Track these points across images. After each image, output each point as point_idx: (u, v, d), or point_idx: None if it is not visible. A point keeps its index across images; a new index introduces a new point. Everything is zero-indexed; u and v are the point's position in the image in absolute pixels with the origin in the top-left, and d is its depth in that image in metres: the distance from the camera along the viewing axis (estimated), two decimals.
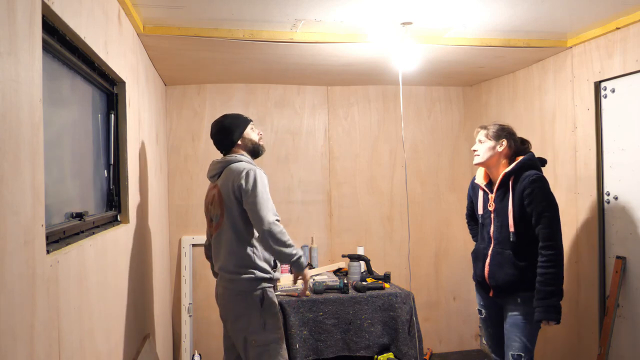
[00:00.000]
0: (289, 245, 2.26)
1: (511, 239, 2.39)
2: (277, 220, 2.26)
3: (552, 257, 2.28)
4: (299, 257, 2.29)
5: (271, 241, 2.22)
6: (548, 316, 2.26)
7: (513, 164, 2.42)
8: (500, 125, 2.51)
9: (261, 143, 2.51)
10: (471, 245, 2.84)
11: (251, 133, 2.48)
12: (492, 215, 2.49)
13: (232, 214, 2.31)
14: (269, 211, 2.24)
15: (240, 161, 2.38)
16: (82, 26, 1.52)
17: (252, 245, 2.32)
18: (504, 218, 2.42)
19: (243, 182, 2.26)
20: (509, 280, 2.39)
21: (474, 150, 2.52)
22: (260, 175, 2.30)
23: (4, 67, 0.98)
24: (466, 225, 2.95)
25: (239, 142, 2.46)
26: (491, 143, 2.46)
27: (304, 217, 3.95)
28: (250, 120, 2.50)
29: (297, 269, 2.34)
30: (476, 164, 2.54)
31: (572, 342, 3.02)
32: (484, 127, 2.53)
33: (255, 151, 2.49)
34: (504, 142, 2.45)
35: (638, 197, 2.55)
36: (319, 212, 3.97)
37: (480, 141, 2.50)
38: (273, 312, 2.33)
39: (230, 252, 2.32)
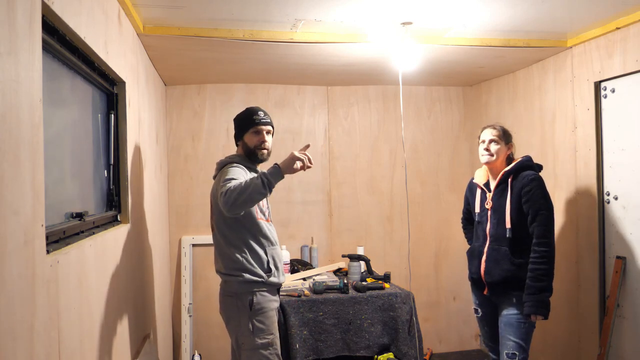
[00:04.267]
0: (247, 187, 1.98)
1: (507, 235, 2.44)
2: (225, 190, 2.00)
3: (545, 254, 2.35)
4: (263, 180, 1.99)
5: (237, 209, 2.01)
6: (537, 311, 2.33)
7: (513, 164, 2.50)
8: (504, 128, 2.59)
9: (259, 151, 2.32)
10: None
11: (250, 137, 2.32)
12: (489, 213, 2.54)
13: (218, 217, 2.28)
14: (219, 195, 2.03)
15: (231, 162, 2.29)
16: (82, 26, 1.52)
17: (242, 249, 2.23)
18: (501, 215, 2.48)
19: (217, 184, 2.18)
20: (505, 276, 2.43)
21: (487, 150, 2.53)
22: (232, 169, 2.15)
23: (4, 67, 0.98)
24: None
25: (240, 142, 2.39)
26: (502, 144, 2.53)
27: (304, 217, 3.94)
28: (257, 124, 2.31)
29: (277, 176, 2.02)
30: (487, 163, 2.55)
31: (572, 342, 3.02)
32: (494, 127, 2.56)
33: (251, 157, 2.34)
34: (511, 145, 2.56)
35: (638, 197, 2.55)
36: (319, 212, 3.97)
37: (493, 141, 2.53)
38: (263, 317, 2.22)
39: (221, 254, 2.29)
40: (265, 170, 2.04)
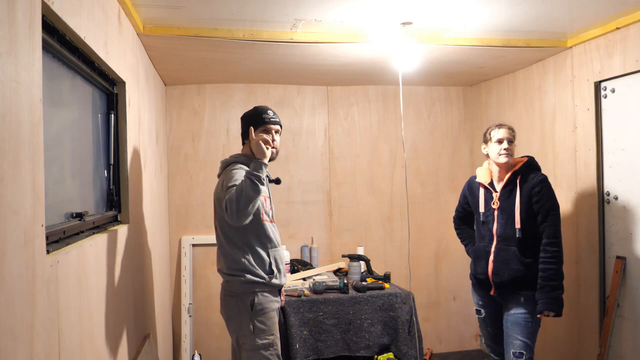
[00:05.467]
0: (239, 193, 2.00)
1: (517, 235, 2.44)
2: (226, 201, 2.03)
3: (556, 254, 2.37)
4: (249, 176, 2.03)
5: (241, 217, 2.01)
6: (551, 307, 2.34)
7: (521, 164, 2.50)
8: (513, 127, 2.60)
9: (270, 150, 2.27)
10: None
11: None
12: (496, 213, 2.52)
13: (221, 217, 2.26)
14: (224, 205, 2.05)
15: (235, 162, 2.28)
16: (82, 26, 1.52)
17: (244, 250, 2.23)
18: (509, 215, 2.47)
19: (221, 186, 2.18)
20: (515, 276, 2.43)
21: (507, 150, 2.50)
22: (235, 171, 2.16)
23: (4, 67, 0.98)
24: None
25: (247, 140, 2.36)
26: (514, 143, 2.54)
27: (304, 217, 3.94)
28: (266, 122, 2.30)
29: (260, 167, 2.08)
30: (505, 163, 2.52)
31: (572, 342, 3.02)
32: (509, 127, 2.55)
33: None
34: (515, 146, 2.57)
35: (638, 197, 2.55)
36: (319, 212, 3.97)
37: (510, 141, 2.52)
38: (264, 317, 2.22)
39: (224, 254, 2.29)
40: (248, 168, 2.09)
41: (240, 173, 2.18)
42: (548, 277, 2.35)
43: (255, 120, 2.32)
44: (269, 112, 2.34)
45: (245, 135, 2.38)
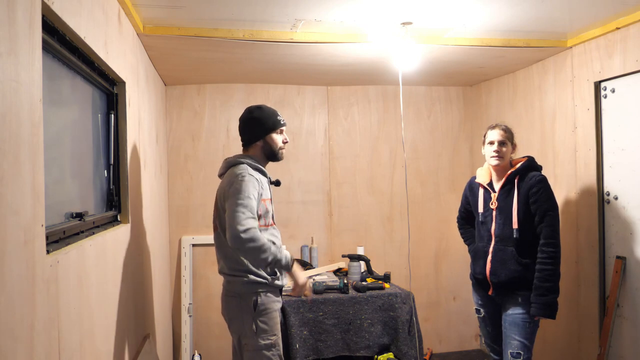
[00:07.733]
0: (263, 251, 2.06)
1: (514, 236, 2.43)
2: (249, 230, 2.03)
3: (552, 255, 2.36)
4: (276, 260, 2.12)
5: (240, 252, 2.14)
6: (544, 313, 2.35)
7: (519, 164, 2.49)
8: (509, 127, 2.57)
9: (282, 151, 2.35)
10: None
11: (276, 138, 2.32)
12: (494, 213, 2.52)
13: (222, 218, 2.24)
14: (239, 221, 2.03)
15: (242, 163, 2.24)
16: (82, 26, 1.52)
17: None
18: (507, 215, 2.47)
19: (228, 187, 2.14)
20: (512, 276, 2.43)
21: (497, 152, 2.49)
22: (247, 182, 2.12)
23: (4, 67, 0.98)
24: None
25: (259, 142, 2.32)
26: (509, 144, 2.53)
27: (304, 217, 3.95)
28: (282, 124, 2.34)
29: (281, 269, 2.24)
30: (497, 166, 2.52)
31: (572, 342, 3.02)
32: (502, 128, 2.53)
33: (271, 157, 2.35)
34: (515, 145, 2.56)
35: (638, 197, 2.55)
36: (319, 212, 3.97)
37: (502, 143, 2.50)
38: (266, 318, 2.22)
39: (225, 255, 2.28)
40: (288, 258, 2.18)
41: (251, 184, 2.14)
42: (543, 278, 2.34)
43: (273, 122, 2.32)
44: (279, 113, 2.39)
45: (258, 136, 2.32)
